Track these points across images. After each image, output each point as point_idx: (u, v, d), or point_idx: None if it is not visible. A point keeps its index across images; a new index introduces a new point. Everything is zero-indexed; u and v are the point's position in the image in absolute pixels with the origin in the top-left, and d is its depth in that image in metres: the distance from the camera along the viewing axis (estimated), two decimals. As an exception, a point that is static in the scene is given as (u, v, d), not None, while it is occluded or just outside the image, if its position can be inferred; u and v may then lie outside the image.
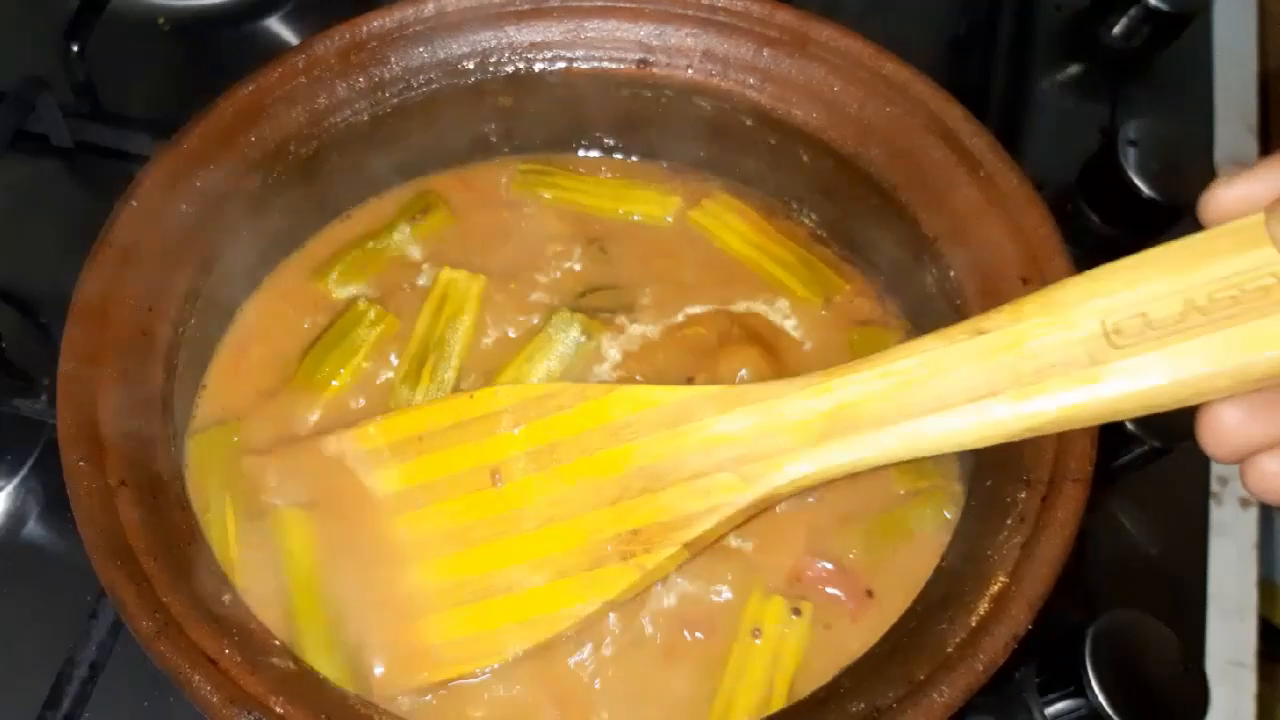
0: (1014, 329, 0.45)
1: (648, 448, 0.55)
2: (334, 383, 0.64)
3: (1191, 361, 0.40)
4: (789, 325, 0.67)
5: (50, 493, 0.69)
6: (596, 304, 0.67)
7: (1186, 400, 0.42)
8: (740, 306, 0.67)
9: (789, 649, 0.57)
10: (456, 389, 0.64)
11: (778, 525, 0.60)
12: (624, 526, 0.55)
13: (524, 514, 0.57)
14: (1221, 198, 0.41)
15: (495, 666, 0.56)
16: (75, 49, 0.78)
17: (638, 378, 0.64)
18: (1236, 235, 0.40)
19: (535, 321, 0.66)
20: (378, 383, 0.64)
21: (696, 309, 0.67)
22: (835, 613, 0.58)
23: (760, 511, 0.54)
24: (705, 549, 0.56)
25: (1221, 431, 0.41)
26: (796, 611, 0.58)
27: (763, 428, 0.51)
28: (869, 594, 0.58)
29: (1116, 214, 0.79)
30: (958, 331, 0.46)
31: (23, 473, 0.69)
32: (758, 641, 0.57)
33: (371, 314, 0.65)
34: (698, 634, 0.58)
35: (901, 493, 0.61)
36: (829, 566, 0.59)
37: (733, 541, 0.59)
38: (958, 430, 0.46)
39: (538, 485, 0.57)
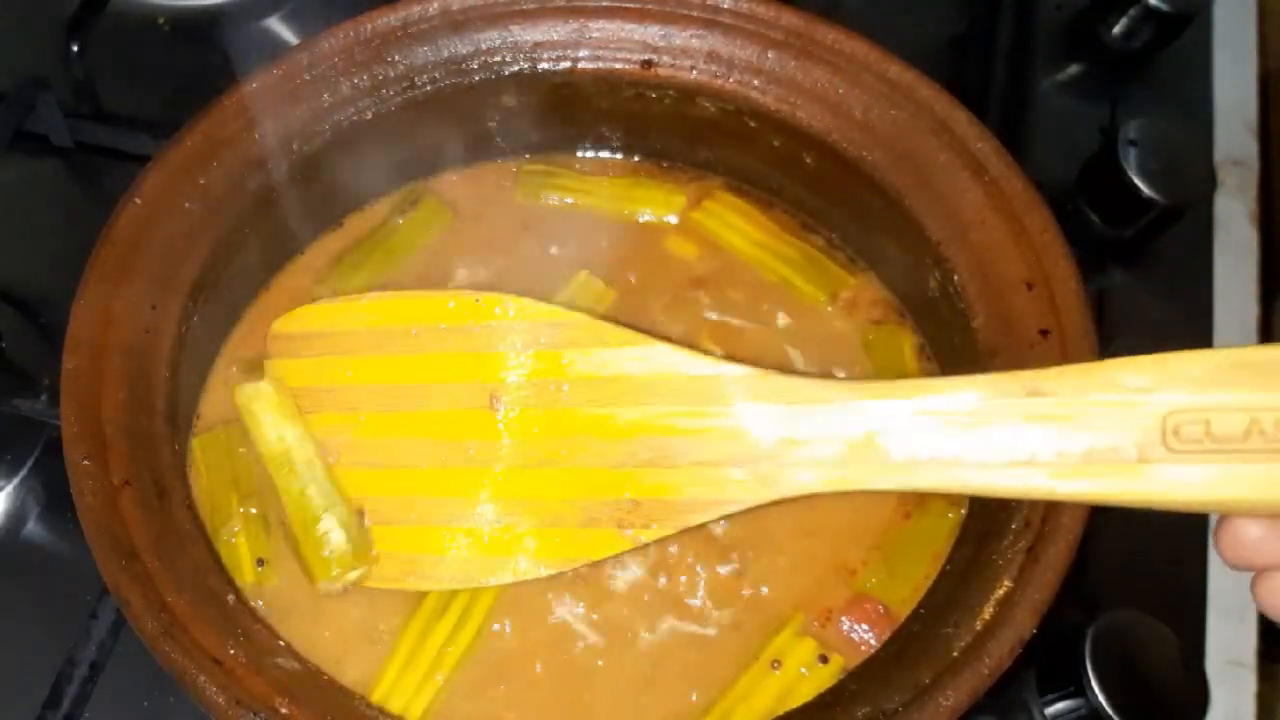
0: (1071, 401, 0.42)
1: (665, 420, 0.52)
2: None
3: (1239, 485, 0.39)
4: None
5: (50, 493, 0.69)
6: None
7: (1215, 510, 0.41)
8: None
9: (805, 690, 0.55)
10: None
11: (812, 560, 0.59)
12: (624, 493, 0.53)
13: (518, 448, 0.55)
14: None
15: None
16: (75, 49, 0.78)
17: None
18: None
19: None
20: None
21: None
22: (860, 654, 0.57)
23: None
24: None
25: (1240, 543, 0.41)
26: (824, 659, 0.56)
27: (788, 436, 0.50)
28: (885, 613, 0.58)
29: (1116, 214, 0.79)
30: (1011, 384, 0.44)
31: (23, 473, 0.69)
32: (776, 672, 0.56)
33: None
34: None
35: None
36: (868, 613, 0.58)
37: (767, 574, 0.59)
38: (985, 485, 0.45)
39: (539, 422, 0.55)
